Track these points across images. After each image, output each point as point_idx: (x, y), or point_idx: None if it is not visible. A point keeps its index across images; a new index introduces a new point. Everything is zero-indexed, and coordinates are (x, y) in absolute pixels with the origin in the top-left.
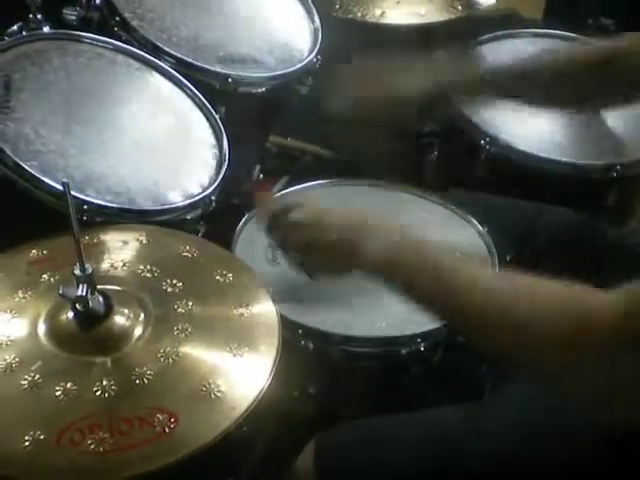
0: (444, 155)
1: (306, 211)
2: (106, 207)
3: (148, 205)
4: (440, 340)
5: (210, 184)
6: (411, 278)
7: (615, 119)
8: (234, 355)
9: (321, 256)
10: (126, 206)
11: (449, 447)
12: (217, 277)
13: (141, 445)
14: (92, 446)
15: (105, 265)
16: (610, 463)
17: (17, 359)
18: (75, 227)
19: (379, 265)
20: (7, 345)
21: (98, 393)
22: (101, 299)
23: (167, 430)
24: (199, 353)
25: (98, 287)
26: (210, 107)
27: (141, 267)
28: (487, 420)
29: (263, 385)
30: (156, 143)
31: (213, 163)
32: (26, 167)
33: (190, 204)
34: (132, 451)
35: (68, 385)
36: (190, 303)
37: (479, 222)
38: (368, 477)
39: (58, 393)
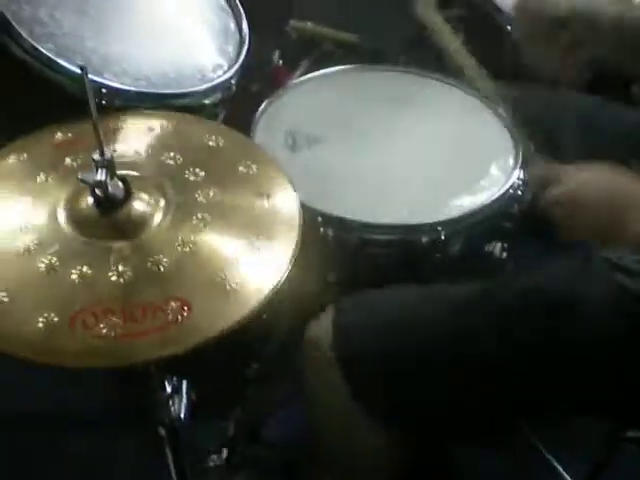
0: (470, 41)
1: (564, 190)
2: (124, 90)
3: (167, 89)
4: (460, 229)
5: (230, 68)
6: None
7: None
8: (252, 247)
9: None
10: (144, 89)
11: (467, 318)
12: (241, 168)
13: (153, 332)
14: (104, 330)
15: (129, 150)
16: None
17: (35, 242)
18: (93, 111)
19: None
20: (26, 228)
21: (114, 278)
22: (120, 184)
23: (179, 318)
24: (217, 243)
25: (119, 172)
26: None
27: (165, 154)
28: (505, 290)
29: (279, 279)
30: (175, 26)
31: (232, 47)
32: (42, 50)
33: (210, 88)
34: (144, 337)
35: (84, 269)
36: (211, 193)
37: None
38: (385, 342)
39: (74, 277)
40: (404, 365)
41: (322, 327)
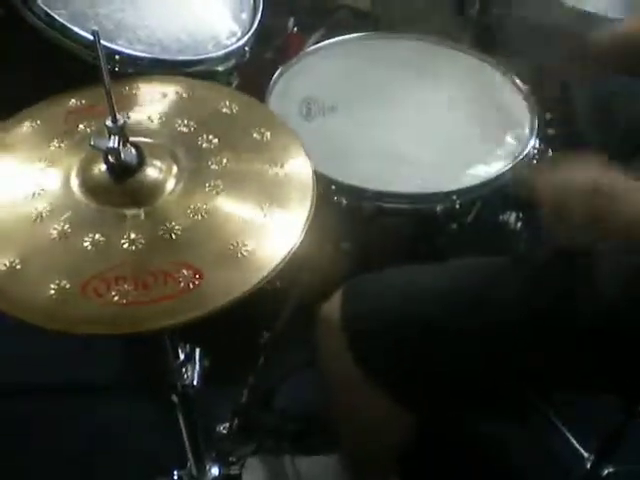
0: (486, 10)
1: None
2: (137, 57)
3: (180, 55)
4: (475, 198)
5: (243, 34)
6: None
7: None
8: (265, 214)
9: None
10: (158, 56)
11: (480, 297)
12: (254, 135)
13: (164, 299)
14: (116, 298)
15: (142, 117)
16: None
17: (48, 208)
18: (105, 77)
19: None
20: (39, 194)
21: (126, 246)
22: (133, 151)
23: (191, 286)
24: (229, 211)
25: (131, 139)
26: None
27: (178, 121)
28: (518, 270)
29: (291, 246)
30: None
31: (246, 14)
32: (55, 16)
33: (223, 54)
34: (154, 305)
35: (97, 236)
36: (224, 160)
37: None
38: (394, 323)
39: (86, 244)
40: (408, 331)
41: (333, 305)
